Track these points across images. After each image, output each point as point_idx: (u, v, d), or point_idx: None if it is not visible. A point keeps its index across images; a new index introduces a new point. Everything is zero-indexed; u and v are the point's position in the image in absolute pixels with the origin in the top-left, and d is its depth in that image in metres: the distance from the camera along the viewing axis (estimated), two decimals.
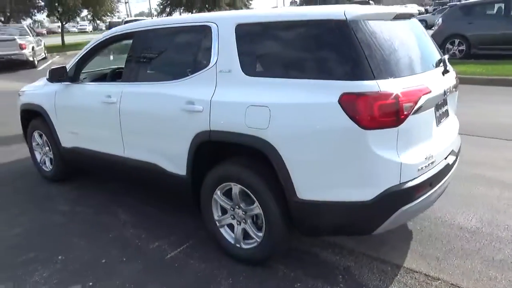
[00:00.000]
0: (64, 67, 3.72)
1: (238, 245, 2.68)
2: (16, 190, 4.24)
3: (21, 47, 15.42)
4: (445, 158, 2.51)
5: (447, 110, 2.69)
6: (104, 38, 3.57)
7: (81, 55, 3.73)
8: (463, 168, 3.97)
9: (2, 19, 26.14)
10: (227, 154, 2.69)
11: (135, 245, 3.03)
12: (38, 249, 3.03)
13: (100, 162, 3.66)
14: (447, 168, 2.51)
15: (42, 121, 4.16)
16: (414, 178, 2.20)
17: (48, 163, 4.40)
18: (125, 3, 48.33)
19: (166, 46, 3.07)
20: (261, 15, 2.56)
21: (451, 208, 3.33)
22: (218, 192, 2.69)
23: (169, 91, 2.83)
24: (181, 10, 35.09)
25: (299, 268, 2.63)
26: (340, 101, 2.07)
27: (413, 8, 3.17)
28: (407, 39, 2.47)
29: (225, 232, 2.75)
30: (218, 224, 2.77)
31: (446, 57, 2.70)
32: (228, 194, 2.66)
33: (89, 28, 57.76)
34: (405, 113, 2.09)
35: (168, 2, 34.53)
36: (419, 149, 2.24)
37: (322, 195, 2.23)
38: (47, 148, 4.31)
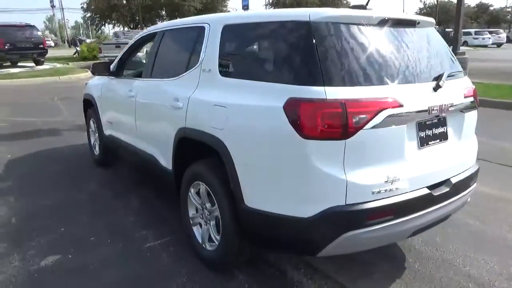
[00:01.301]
0: (107, 63, 4.14)
1: (203, 245, 2.66)
2: (63, 169, 4.81)
3: None
4: (431, 188, 2.15)
5: (444, 133, 2.30)
6: (138, 38, 3.88)
7: (122, 53, 4.10)
8: (485, 201, 3.44)
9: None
10: (203, 153, 2.70)
11: (126, 230, 3.20)
12: (48, 220, 3.40)
13: (123, 151, 3.97)
14: (432, 199, 2.14)
15: (94, 110, 4.67)
16: (367, 202, 1.93)
17: (97, 147, 4.90)
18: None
19: (170, 46, 3.22)
20: (239, 15, 2.54)
21: (463, 248, 2.84)
22: (192, 190, 2.71)
23: (166, 88, 2.96)
24: None
25: (258, 282, 2.50)
26: (284, 106, 1.94)
27: (417, 16, 2.73)
28: (396, 48, 2.18)
29: (197, 231, 2.75)
30: (191, 222, 2.78)
31: (447, 72, 2.31)
32: (199, 193, 2.66)
33: None
34: (355, 125, 1.86)
35: None
36: (378, 170, 1.96)
37: (267, 206, 2.10)
38: (97, 134, 4.82)
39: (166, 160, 2.98)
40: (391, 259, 2.76)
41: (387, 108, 1.93)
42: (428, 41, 2.42)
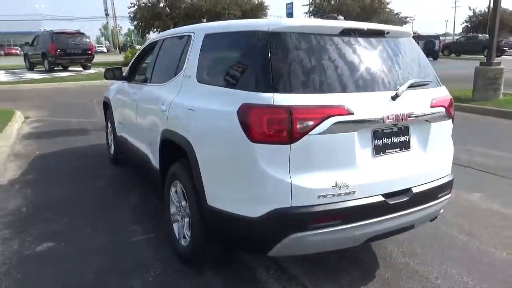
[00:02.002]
0: (119, 68, 4.44)
1: (180, 241, 2.81)
2: (81, 166, 5.17)
3: None
4: (386, 196, 2.17)
5: (406, 142, 2.30)
6: (146, 45, 4.14)
7: (134, 58, 4.38)
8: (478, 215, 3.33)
9: None
10: (180, 153, 2.86)
11: (120, 224, 3.43)
12: (55, 211, 3.70)
13: (128, 151, 4.23)
14: (387, 207, 2.16)
15: (110, 112, 5.00)
16: (312, 205, 1.99)
17: (112, 147, 5.23)
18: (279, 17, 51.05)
19: (165, 53, 3.43)
20: (216, 25, 2.68)
21: (440, 261, 2.79)
22: (172, 189, 2.87)
23: (157, 92, 3.16)
24: None
25: (225, 279, 2.60)
26: (238, 111, 2.06)
27: (386, 26, 2.65)
28: (355, 57, 2.23)
29: (176, 227, 2.91)
30: (172, 219, 2.95)
31: (414, 82, 2.31)
32: (177, 192, 2.82)
33: None
34: (300, 131, 1.94)
35: None
36: (325, 175, 2.02)
37: (224, 205, 2.21)
38: (112, 134, 5.14)
39: (155, 160, 3.18)
40: (363, 267, 2.77)
41: (334, 115, 1.99)
42: (397, 50, 2.43)
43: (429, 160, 2.39)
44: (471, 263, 2.81)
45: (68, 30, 19.98)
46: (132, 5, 27.03)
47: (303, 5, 33.30)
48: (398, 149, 2.27)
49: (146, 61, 4.22)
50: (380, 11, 31.00)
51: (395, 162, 2.26)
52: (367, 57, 2.27)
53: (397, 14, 34.20)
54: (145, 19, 26.45)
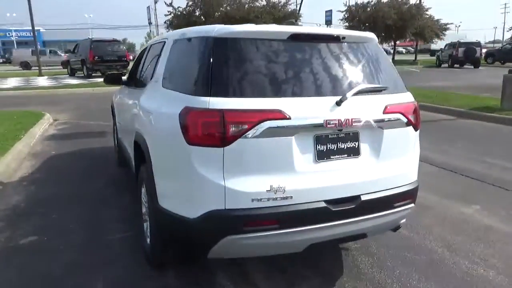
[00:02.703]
0: (119, 74, 4.64)
1: (146, 240, 2.89)
2: (88, 166, 5.43)
3: None
4: (329, 202, 2.14)
5: (355, 148, 2.26)
6: (141, 51, 4.30)
7: (133, 64, 4.56)
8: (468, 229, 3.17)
9: None
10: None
11: (103, 222, 3.57)
12: (49, 207, 3.92)
13: (123, 152, 4.40)
14: (330, 213, 2.12)
15: (113, 115, 5.23)
16: (246, 208, 2.01)
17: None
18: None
19: (148, 58, 3.54)
20: (182, 31, 2.74)
21: (409, 275, 2.68)
22: (142, 189, 2.97)
23: (136, 96, 3.29)
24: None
25: (183, 281, 2.65)
26: (179, 114, 2.11)
27: (344, 31, 2.54)
28: (301, 62, 2.22)
29: (145, 226, 3.00)
30: (143, 218, 3.04)
31: (362, 87, 2.26)
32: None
33: None
34: (233, 134, 1.96)
35: None
36: (260, 178, 2.03)
37: (170, 205, 2.26)
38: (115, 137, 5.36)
39: (133, 161, 3.30)
40: (325, 275, 2.72)
41: (268, 120, 1.99)
42: (354, 56, 2.39)
43: (383, 168, 2.33)
44: (444, 282, 2.67)
45: (105, 38, 21.01)
46: (169, 13, 27.99)
47: (337, 11, 32.99)
48: (346, 155, 2.23)
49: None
50: (418, 17, 30.04)
51: (342, 168, 2.22)
52: (315, 62, 2.26)
53: (437, 20, 32.96)
54: (180, 27, 27.23)
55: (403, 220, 2.55)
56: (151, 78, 3.03)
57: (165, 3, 27.64)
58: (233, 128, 1.96)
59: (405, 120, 2.38)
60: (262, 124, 1.98)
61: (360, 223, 2.26)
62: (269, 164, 2.05)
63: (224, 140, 1.97)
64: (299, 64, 2.21)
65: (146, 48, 4.09)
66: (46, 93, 14.80)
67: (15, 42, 75.13)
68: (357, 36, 2.47)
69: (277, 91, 2.10)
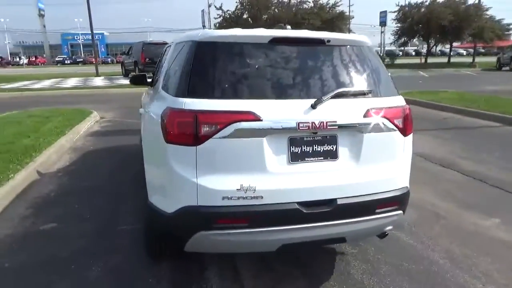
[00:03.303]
0: (143, 75, 4.90)
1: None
2: (118, 161, 5.80)
3: None
4: (302, 204, 2.16)
5: (332, 152, 2.25)
6: (163, 52, 4.52)
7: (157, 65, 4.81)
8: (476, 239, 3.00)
9: None
10: None
11: (117, 214, 3.81)
12: (73, 198, 4.26)
13: None
14: (302, 216, 2.15)
15: None
16: (216, 206, 2.09)
17: None
18: None
19: (161, 60, 3.72)
20: (180, 35, 2.88)
21: (400, 285, 2.61)
22: None
23: (149, 97, 3.49)
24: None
25: (174, 273, 2.78)
26: (161, 114, 2.25)
27: (330, 34, 2.43)
28: (280, 65, 2.26)
29: None
30: None
31: (340, 90, 2.25)
32: None
33: None
34: (205, 134, 2.06)
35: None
36: (230, 177, 2.10)
37: (155, 200, 2.40)
38: None
39: None
40: (313, 277, 2.73)
41: (239, 121, 2.06)
42: (340, 59, 2.39)
43: (363, 172, 2.30)
44: None
45: (156, 41, 21.96)
46: (218, 16, 28.74)
47: (390, 12, 31.98)
48: (322, 158, 2.24)
49: None
50: (476, 18, 28.25)
51: (317, 171, 2.22)
52: (295, 66, 2.29)
53: (499, 21, 30.81)
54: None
55: (389, 227, 2.49)
56: (158, 79, 3.21)
57: (215, 7, 28.44)
58: (206, 128, 2.06)
59: (390, 124, 2.33)
60: (233, 125, 2.06)
61: (337, 227, 2.25)
62: (240, 164, 2.11)
63: (197, 139, 2.06)
64: (278, 67, 2.26)
65: (165, 50, 4.30)
66: (99, 92, 15.85)
67: (81, 45, 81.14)
68: (345, 39, 2.46)
69: (251, 93, 2.16)
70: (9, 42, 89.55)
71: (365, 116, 2.27)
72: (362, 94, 2.33)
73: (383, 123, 2.31)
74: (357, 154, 2.29)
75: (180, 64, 2.42)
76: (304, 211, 2.15)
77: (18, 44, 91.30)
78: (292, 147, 2.18)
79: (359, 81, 2.38)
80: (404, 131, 2.41)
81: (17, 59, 73.22)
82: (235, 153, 2.10)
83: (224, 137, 2.06)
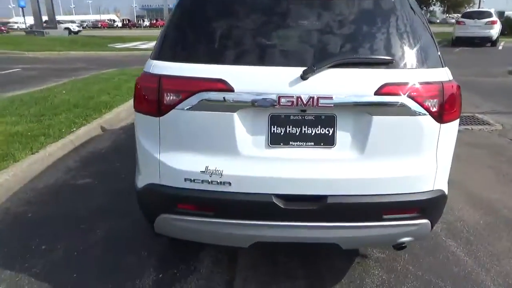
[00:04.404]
0: None
1: None
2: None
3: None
4: (282, 198, 1.76)
5: (328, 136, 1.75)
6: None
7: None
8: None
9: None
10: None
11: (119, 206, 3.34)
12: (121, 155, 4.35)
13: None
14: (280, 211, 1.75)
15: None
16: (178, 188, 1.81)
17: None
18: None
19: None
20: None
21: None
22: None
23: None
24: None
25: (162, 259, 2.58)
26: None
27: None
28: (269, 24, 1.80)
29: None
30: None
31: (345, 58, 1.69)
32: None
33: None
34: (168, 103, 1.75)
35: None
36: (194, 157, 1.78)
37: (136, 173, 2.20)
38: None
39: None
40: (314, 280, 2.33)
41: (206, 90, 1.70)
42: (349, 15, 1.81)
43: (368, 166, 1.77)
44: None
45: None
46: None
47: None
48: (313, 144, 1.76)
49: None
50: None
51: (305, 159, 1.77)
52: (285, 24, 1.81)
53: None
54: None
55: (406, 239, 1.93)
56: None
57: None
58: (169, 97, 1.75)
59: (415, 106, 1.73)
60: (199, 94, 1.71)
61: (326, 230, 1.80)
62: (207, 142, 1.77)
63: (160, 109, 1.77)
64: (263, 26, 1.80)
65: None
66: (139, 54, 16.16)
67: None
68: None
69: (225, 58, 1.76)
70: (135, 6, 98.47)
71: (377, 92, 1.70)
72: (377, 63, 1.75)
73: (406, 104, 1.72)
74: (362, 142, 1.76)
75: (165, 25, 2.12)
76: (282, 206, 1.75)
77: (143, 8, 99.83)
78: (274, 127, 1.76)
79: (375, 44, 1.79)
80: (441, 116, 1.78)
81: (141, 21, 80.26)
82: (200, 128, 1.76)
83: (189, 109, 1.73)
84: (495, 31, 18.32)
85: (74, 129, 4.87)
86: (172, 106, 1.75)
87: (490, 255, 2.57)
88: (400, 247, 2.04)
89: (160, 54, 1.84)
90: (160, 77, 1.76)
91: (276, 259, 2.49)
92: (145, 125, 1.87)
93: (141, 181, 1.95)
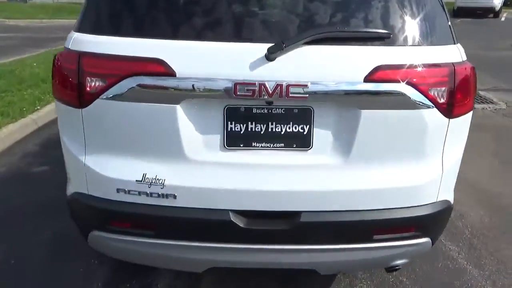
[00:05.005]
0: None
1: None
2: None
3: None
4: (240, 215, 1.36)
5: (302, 135, 1.34)
6: None
7: None
8: None
9: None
10: None
11: None
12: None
13: None
14: (238, 231, 1.36)
15: None
16: (110, 200, 1.40)
17: None
18: None
19: None
20: None
21: None
22: None
23: None
24: None
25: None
26: None
27: None
28: None
29: None
30: None
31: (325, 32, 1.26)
32: None
33: None
34: (91, 90, 1.31)
35: None
36: (129, 162, 1.36)
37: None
38: None
39: None
40: None
41: (138, 74, 1.26)
42: None
43: (354, 173, 1.36)
44: None
45: None
46: None
47: None
48: (283, 145, 1.35)
49: None
50: None
51: (272, 164, 1.35)
52: None
53: None
54: None
55: (401, 261, 1.55)
56: None
57: None
58: (92, 82, 1.31)
59: (418, 96, 1.30)
60: (128, 80, 1.27)
61: (300, 254, 1.42)
62: (143, 143, 1.35)
63: (81, 98, 1.34)
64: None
65: None
66: None
67: None
68: None
69: (165, 30, 1.31)
70: None
71: (368, 78, 1.26)
72: (368, 38, 1.31)
73: (405, 93, 1.29)
74: (346, 143, 1.34)
75: None
76: (243, 225, 1.35)
77: None
78: (231, 124, 1.33)
79: (364, 13, 1.33)
80: (450, 109, 1.36)
81: None
82: (134, 125, 1.33)
83: (117, 98, 1.29)
84: (498, 1, 17.64)
85: (39, 107, 4.40)
86: (96, 94, 1.31)
87: (496, 263, 2.22)
88: (392, 269, 1.67)
89: (82, 24, 1.38)
90: (80, 55, 1.31)
91: (247, 272, 2.12)
92: (66, 119, 1.44)
93: (69, 189, 1.55)
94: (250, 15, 1.33)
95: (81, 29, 1.37)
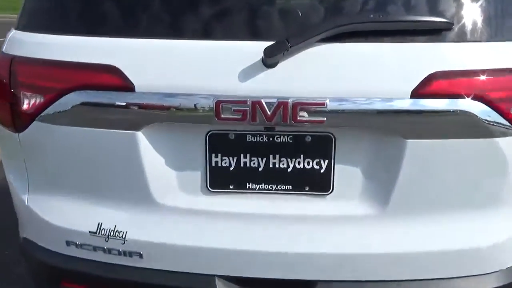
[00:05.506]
0: None
1: None
2: None
3: None
4: (230, 282, 0.98)
5: (320, 175, 0.92)
6: None
7: None
8: None
9: None
10: None
11: None
12: None
13: None
14: None
15: None
16: (60, 254, 1.05)
17: None
18: None
19: None
20: None
21: None
22: None
23: None
24: None
25: None
26: None
27: None
28: None
29: None
30: None
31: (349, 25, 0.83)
32: None
33: None
34: (27, 109, 0.96)
35: None
36: (81, 206, 1.01)
37: None
38: None
39: None
40: None
41: (83, 87, 0.90)
42: None
43: (399, 228, 0.94)
44: None
45: None
46: None
47: None
48: (290, 187, 0.94)
49: None
50: None
51: (276, 215, 0.96)
52: None
53: None
54: None
55: None
56: None
57: None
58: (26, 97, 0.96)
59: (489, 115, 0.86)
60: (71, 95, 0.91)
61: None
62: (96, 182, 0.99)
63: (15, 119, 0.99)
64: None
65: None
66: None
67: None
68: None
69: (121, 25, 0.93)
70: None
71: (418, 92, 0.84)
72: (418, 32, 0.88)
73: (472, 113, 0.85)
74: (384, 186, 0.92)
75: None
76: None
77: None
78: (216, 157, 0.93)
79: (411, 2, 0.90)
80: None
81: None
82: (82, 157, 0.97)
83: (56, 121, 0.94)
84: None
85: None
86: (33, 114, 0.96)
87: None
88: None
89: (21, 18, 1.03)
90: (12, 60, 0.96)
91: None
92: (7, 144, 1.09)
93: (20, 231, 1.21)
94: (245, 8, 0.92)
95: (19, 25, 1.03)
